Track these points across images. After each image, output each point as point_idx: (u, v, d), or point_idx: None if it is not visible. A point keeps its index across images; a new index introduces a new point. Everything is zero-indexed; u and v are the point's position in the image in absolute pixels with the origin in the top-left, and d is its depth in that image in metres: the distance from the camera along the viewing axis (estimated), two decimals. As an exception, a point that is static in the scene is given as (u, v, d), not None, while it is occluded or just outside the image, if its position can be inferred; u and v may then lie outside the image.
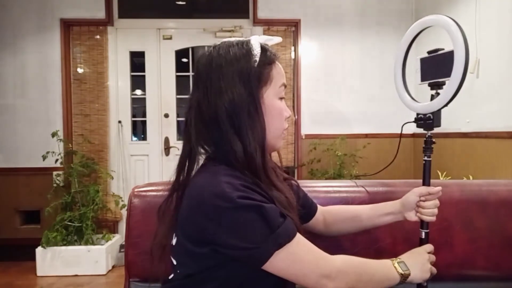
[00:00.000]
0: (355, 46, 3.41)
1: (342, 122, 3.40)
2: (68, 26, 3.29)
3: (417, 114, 0.91)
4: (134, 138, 3.52)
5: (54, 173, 3.17)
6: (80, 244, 2.92)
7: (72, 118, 3.32)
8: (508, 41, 2.20)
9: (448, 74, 0.82)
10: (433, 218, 0.90)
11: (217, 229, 0.67)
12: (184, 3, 3.57)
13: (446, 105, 0.85)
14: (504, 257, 1.07)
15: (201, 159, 0.80)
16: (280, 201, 0.74)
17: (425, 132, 0.92)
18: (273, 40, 0.81)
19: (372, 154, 3.26)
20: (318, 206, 1.01)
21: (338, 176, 3.14)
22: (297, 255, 0.69)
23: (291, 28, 3.43)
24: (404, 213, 0.92)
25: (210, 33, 3.43)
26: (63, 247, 2.87)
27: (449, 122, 2.79)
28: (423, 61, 0.91)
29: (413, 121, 0.93)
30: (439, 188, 0.89)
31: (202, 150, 0.79)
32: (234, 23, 3.41)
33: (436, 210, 0.89)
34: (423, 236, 0.91)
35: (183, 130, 0.80)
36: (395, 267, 0.78)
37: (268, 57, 0.77)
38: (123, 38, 3.40)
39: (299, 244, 0.70)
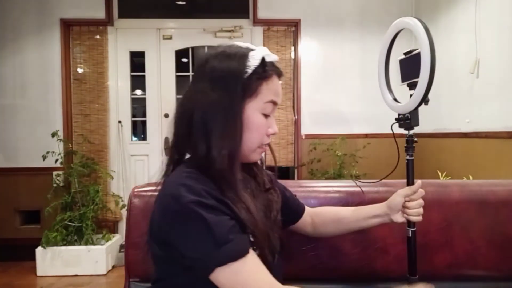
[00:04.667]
0: (355, 46, 3.41)
1: (342, 122, 3.40)
2: (68, 26, 3.29)
3: (398, 114, 0.93)
4: (134, 138, 3.52)
5: (54, 173, 3.17)
6: (80, 244, 2.92)
7: (72, 118, 3.32)
8: (508, 41, 2.20)
9: (419, 74, 0.84)
10: (420, 218, 0.90)
11: (170, 231, 0.68)
12: (184, 3, 3.57)
13: (419, 105, 0.86)
14: (504, 257, 1.07)
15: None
16: (240, 209, 0.71)
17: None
18: (270, 57, 0.78)
19: (372, 154, 3.26)
20: (306, 208, 1.01)
21: (338, 176, 3.14)
22: (240, 276, 0.66)
23: (291, 28, 3.43)
24: (391, 215, 0.92)
25: (210, 33, 3.43)
26: (63, 247, 2.87)
27: (449, 122, 2.79)
28: (401, 62, 0.93)
29: (395, 122, 0.94)
30: (419, 182, 0.90)
31: (181, 148, 0.80)
32: (234, 23, 3.41)
33: (421, 210, 0.90)
34: (410, 235, 0.92)
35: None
36: None
37: (262, 71, 0.76)
38: (123, 38, 3.40)
39: (246, 265, 0.67)
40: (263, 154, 0.87)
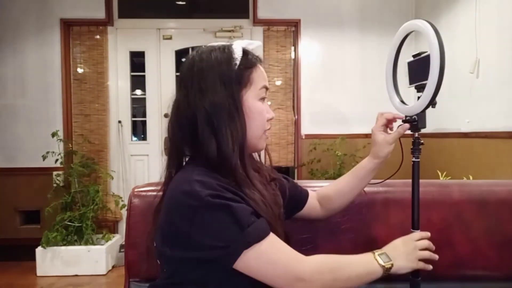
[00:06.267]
0: (355, 46, 3.41)
1: (342, 122, 3.40)
2: (68, 26, 3.29)
3: (405, 116, 0.94)
4: (134, 138, 3.52)
5: (54, 173, 3.17)
6: (80, 244, 2.92)
7: (72, 118, 3.32)
8: (508, 41, 2.20)
9: (428, 77, 0.84)
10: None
11: (190, 228, 0.68)
12: (184, 3, 3.57)
13: (426, 107, 0.87)
14: (504, 257, 1.07)
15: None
16: (256, 201, 0.73)
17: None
18: (253, 44, 0.83)
19: (372, 154, 3.26)
20: (311, 192, 1.01)
21: (338, 176, 3.13)
22: (268, 255, 0.68)
23: (291, 28, 3.43)
24: (380, 161, 0.98)
25: (210, 33, 3.43)
26: (63, 247, 2.87)
27: (449, 122, 2.79)
28: (410, 64, 0.93)
29: (402, 123, 0.95)
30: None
31: (185, 151, 0.82)
32: (234, 23, 3.41)
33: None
34: None
35: (167, 131, 0.84)
36: (376, 259, 0.76)
37: (249, 60, 0.79)
38: (123, 38, 3.40)
39: (271, 244, 0.69)
40: (262, 154, 0.89)
